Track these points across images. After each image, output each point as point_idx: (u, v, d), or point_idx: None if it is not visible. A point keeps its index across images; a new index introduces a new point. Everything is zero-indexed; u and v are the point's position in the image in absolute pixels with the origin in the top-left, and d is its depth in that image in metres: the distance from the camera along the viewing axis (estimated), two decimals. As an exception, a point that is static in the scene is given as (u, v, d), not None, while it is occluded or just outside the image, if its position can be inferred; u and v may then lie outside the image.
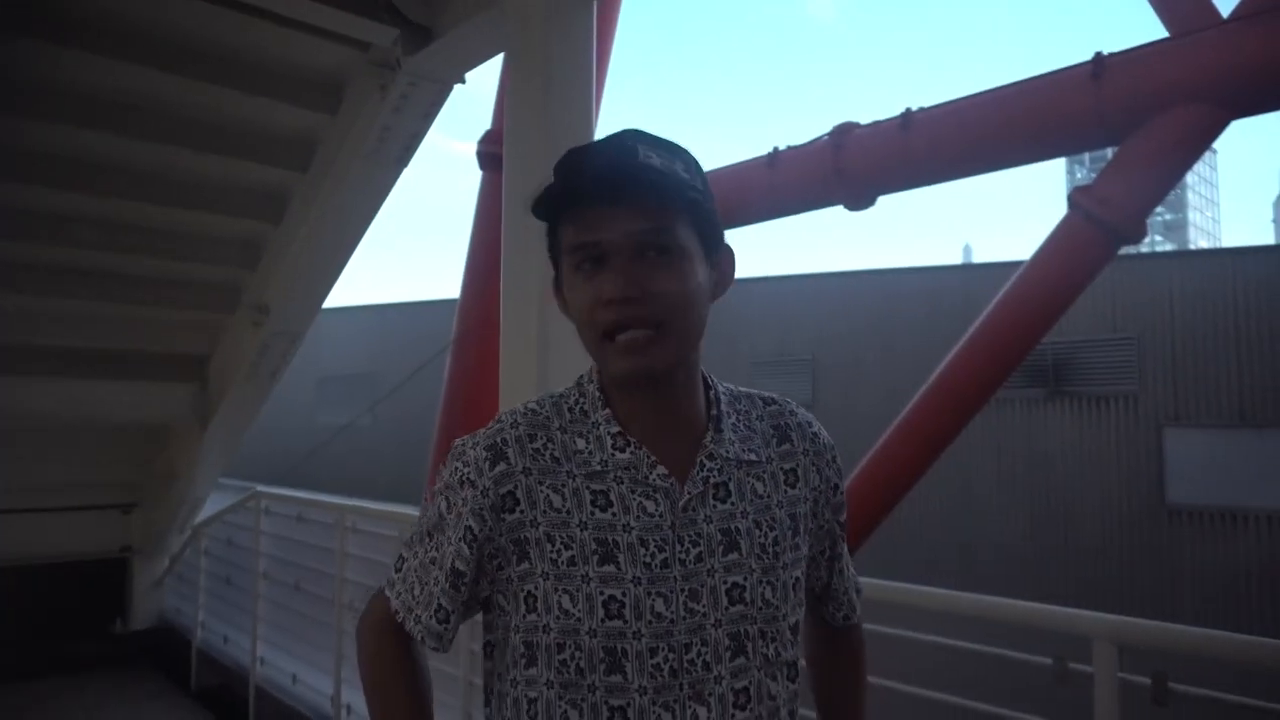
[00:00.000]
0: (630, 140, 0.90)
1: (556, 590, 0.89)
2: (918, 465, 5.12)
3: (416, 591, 0.98)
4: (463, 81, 3.15)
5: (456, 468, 0.94)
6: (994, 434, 9.73)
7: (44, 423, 4.35)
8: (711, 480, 0.92)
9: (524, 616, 0.91)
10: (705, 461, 0.93)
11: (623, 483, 0.91)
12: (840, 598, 1.09)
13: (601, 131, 5.52)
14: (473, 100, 4.71)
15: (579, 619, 0.88)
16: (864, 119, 5.23)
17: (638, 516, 0.90)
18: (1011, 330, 4.59)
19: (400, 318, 14.01)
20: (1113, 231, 4.00)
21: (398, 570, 1.01)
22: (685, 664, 0.89)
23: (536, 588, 0.90)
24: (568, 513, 0.90)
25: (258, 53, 3.17)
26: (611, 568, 0.88)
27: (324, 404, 14.78)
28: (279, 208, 3.77)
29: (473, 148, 4.32)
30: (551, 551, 0.89)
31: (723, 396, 0.99)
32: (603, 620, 0.88)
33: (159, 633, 5.64)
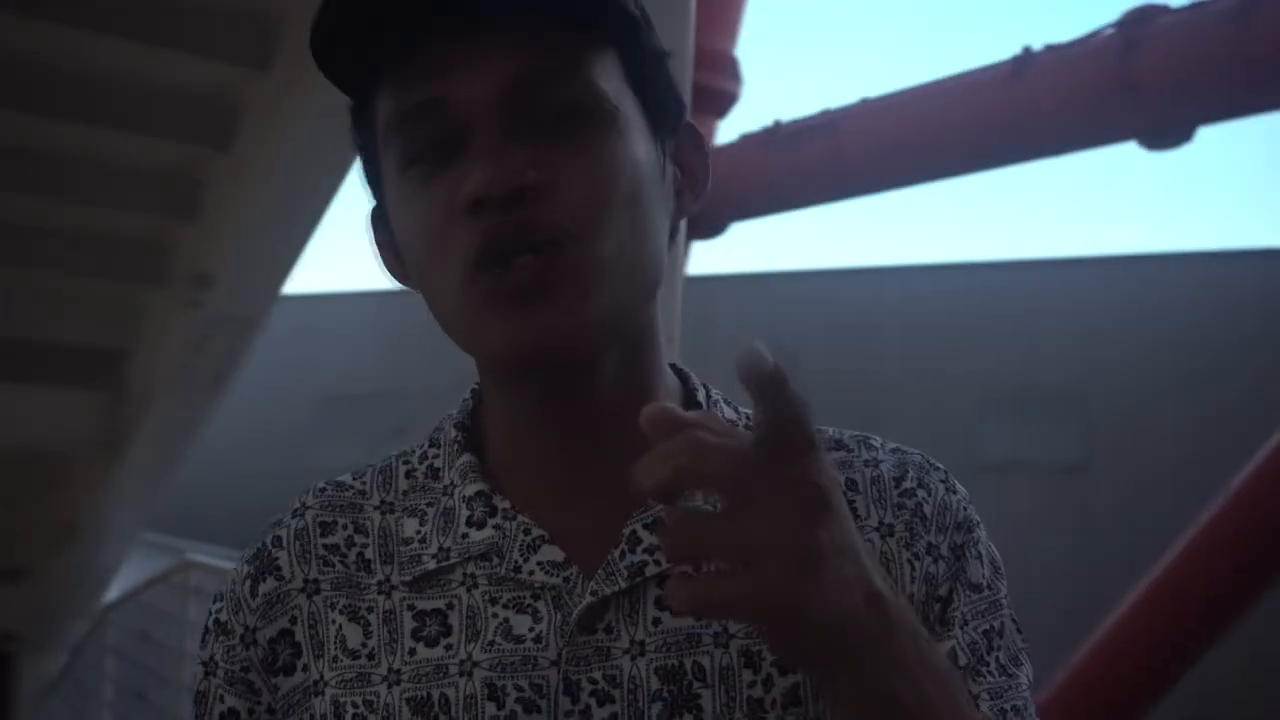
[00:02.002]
0: None
1: None
2: (1245, 583, 4.73)
3: None
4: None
5: (208, 614, 0.81)
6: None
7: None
8: (649, 570, 0.73)
9: None
10: (640, 534, 0.74)
11: (476, 586, 0.74)
12: None
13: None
14: None
15: None
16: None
17: (490, 644, 0.72)
18: None
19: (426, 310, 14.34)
20: None
21: None
22: None
23: None
24: (370, 657, 0.74)
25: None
26: None
27: (324, 434, 15.17)
28: (227, 124, 3.77)
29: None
30: None
31: (724, 419, 0.80)
32: None
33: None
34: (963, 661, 0.78)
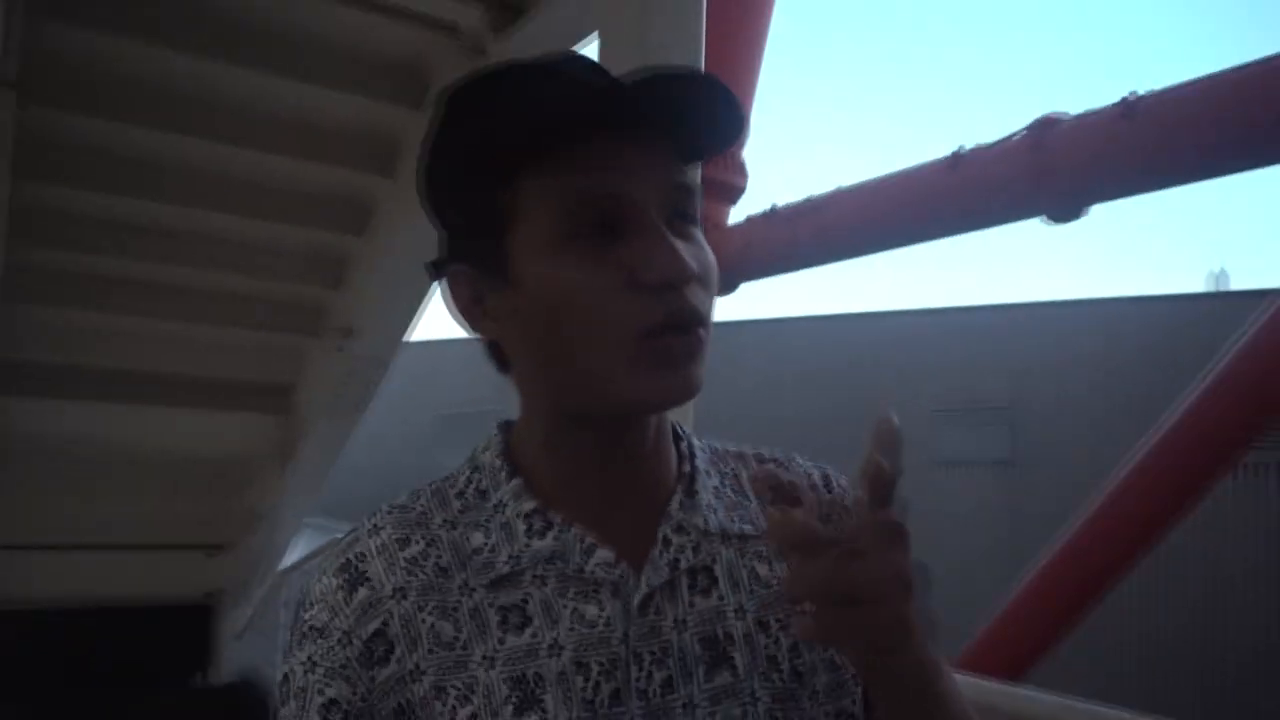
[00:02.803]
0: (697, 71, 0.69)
1: None
2: (1133, 548, 4.61)
3: None
4: (560, 64, 3.07)
5: (300, 619, 0.74)
6: (1249, 508, 8.78)
7: (122, 453, 4.55)
8: (683, 564, 0.72)
9: None
10: (671, 536, 0.73)
11: (546, 583, 0.70)
12: None
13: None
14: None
15: None
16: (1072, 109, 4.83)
17: (570, 629, 0.69)
18: (1268, 372, 4.03)
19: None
20: None
21: None
22: None
23: None
24: (464, 647, 0.69)
25: (335, 40, 3.20)
26: (534, 717, 0.66)
27: (439, 443, 15.23)
28: (362, 217, 3.78)
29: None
30: (444, 712, 0.67)
31: (698, 451, 0.78)
32: None
33: (239, 689, 5.81)
34: None
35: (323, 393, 4.30)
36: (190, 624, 5.78)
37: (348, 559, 0.73)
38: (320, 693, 0.69)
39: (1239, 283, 12.50)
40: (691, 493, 0.75)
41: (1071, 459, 9.42)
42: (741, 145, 5.88)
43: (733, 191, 6.00)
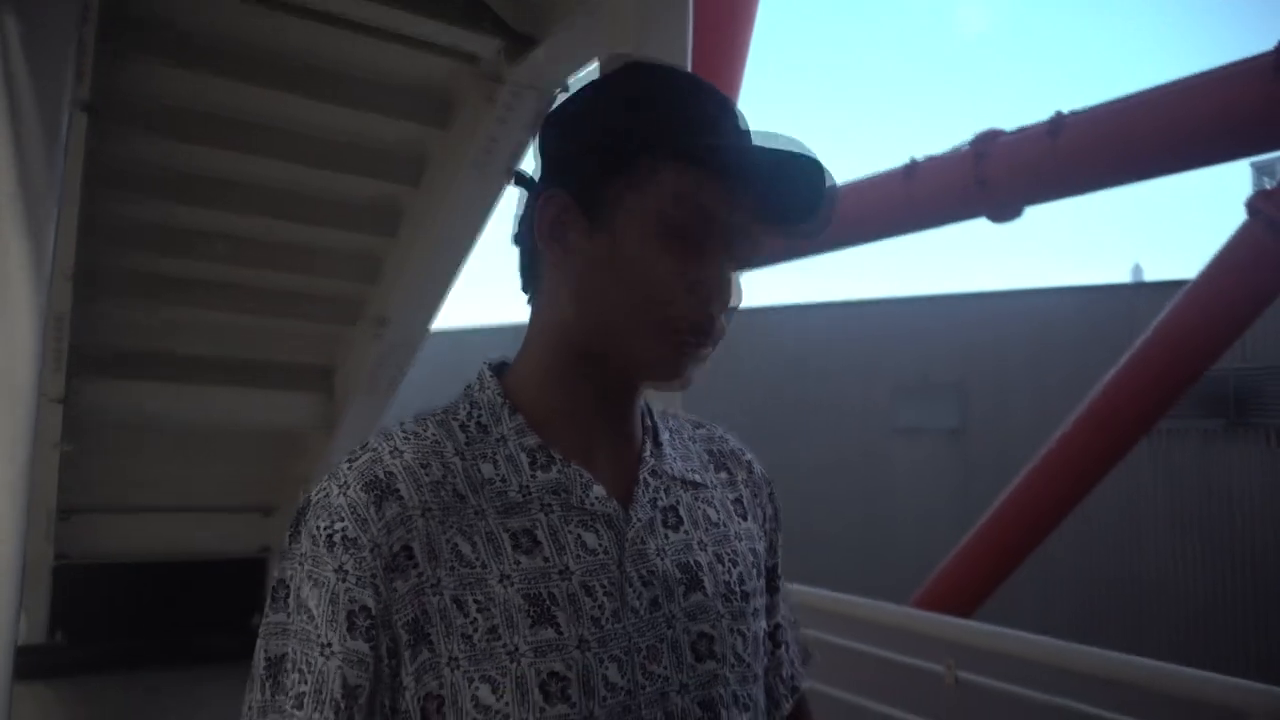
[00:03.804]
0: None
1: (471, 680, 0.64)
2: (1064, 503, 4.68)
3: None
4: (565, 89, 3.10)
5: (318, 528, 0.67)
6: (1163, 470, 8.84)
7: (188, 426, 4.60)
8: (659, 503, 0.75)
9: None
10: (649, 479, 0.75)
11: (552, 511, 0.70)
12: (784, 666, 0.86)
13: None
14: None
15: (506, 716, 0.63)
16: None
17: (577, 556, 0.69)
18: (1177, 352, 4.10)
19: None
20: (1301, 241, 3.49)
21: None
22: None
23: (442, 684, 0.64)
24: (483, 565, 0.67)
25: (372, 70, 3.24)
26: (550, 631, 0.66)
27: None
28: (395, 221, 3.83)
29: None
30: (464, 623, 0.65)
31: (653, 412, 0.81)
32: (541, 709, 0.64)
33: (292, 631, 5.88)
34: (780, 564, 0.87)
35: (360, 374, 4.35)
36: (247, 575, 5.86)
37: (375, 476, 0.68)
38: (352, 600, 0.65)
39: (1154, 275, 12.56)
40: (658, 444, 0.78)
41: (1013, 427, 9.48)
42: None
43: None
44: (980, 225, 5.23)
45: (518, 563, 0.68)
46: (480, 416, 0.74)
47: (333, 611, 0.64)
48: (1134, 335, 4.66)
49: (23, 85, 1.51)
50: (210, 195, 3.46)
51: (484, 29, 2.95)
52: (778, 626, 0.86)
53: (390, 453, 0.70)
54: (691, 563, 0.74)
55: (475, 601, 0.66)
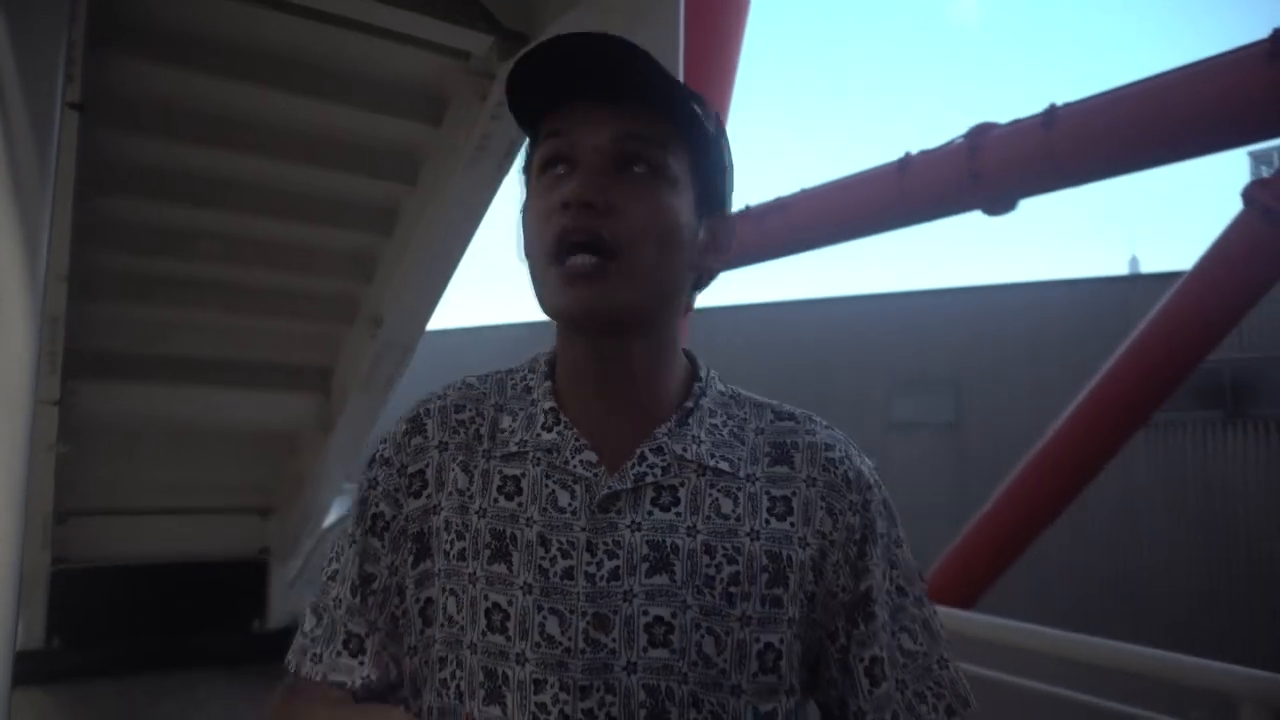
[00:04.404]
0: (629, 45, 0.73)
1: (444, 592, 0.75)
2: (1063, 495, 4.69)
3: (317, 628, 0.80)
4: (558, 86, 3.10)
5: (374, 449, 0.83)
6: (1161, 463, 8.86)
7: (184, 428, 4.59)
8: (649, 479, 0.74)
9: (420, 634, 0.77)
10: (647, 454, 0.74)
11: (539, 465, 0.76)
12: (890, 706, 0.74)
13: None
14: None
15: (462, 628, 0.73)
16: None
17: (544, 509, 0.74)
18: (1172, 343, 4.10)
19: (540, 332, 14.27)
20: (1297, 230, 3.49)
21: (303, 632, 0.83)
22: (581, 713, 0.68)
23: (432, 591, 0.76)
24: (469, 496, 0.76)
25: (364, 67, 3.22)
26: (502, 567, 0.73)
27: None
28: (389, 220, 3.81)
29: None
30: (445, 542, 0.76)
31: (712, 393, 0.79)
32: (484, 633, 0.72)
33: (291, 633, 5.85)
34: (877, 588, 0.76)
35: (357, 373, 4.33)
36: (246, 577, 5.84)
37: (417, 413, 0.82)
38: (375, 505, 0.80)
39: (1152, 266, 12.58)
40: (683, 424, 0.76)
41: (1008, 421, 9.50)
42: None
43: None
44: (974, 219, 5.23)
45: (495, 501, 0.75)
46: (529, 380, 0.82)
47: (361, 511, 0.81)
48: (1130, 327, 4.66)
49: (12, 86, 1.50)
50: (203, 195, 3.45)
51: (476, 25, 2.93)
52: (874, 659, 0.75)
53: (439, 397, 0.83)
54: (666, 544, 0.72)
55: (456, 527, 0.76)
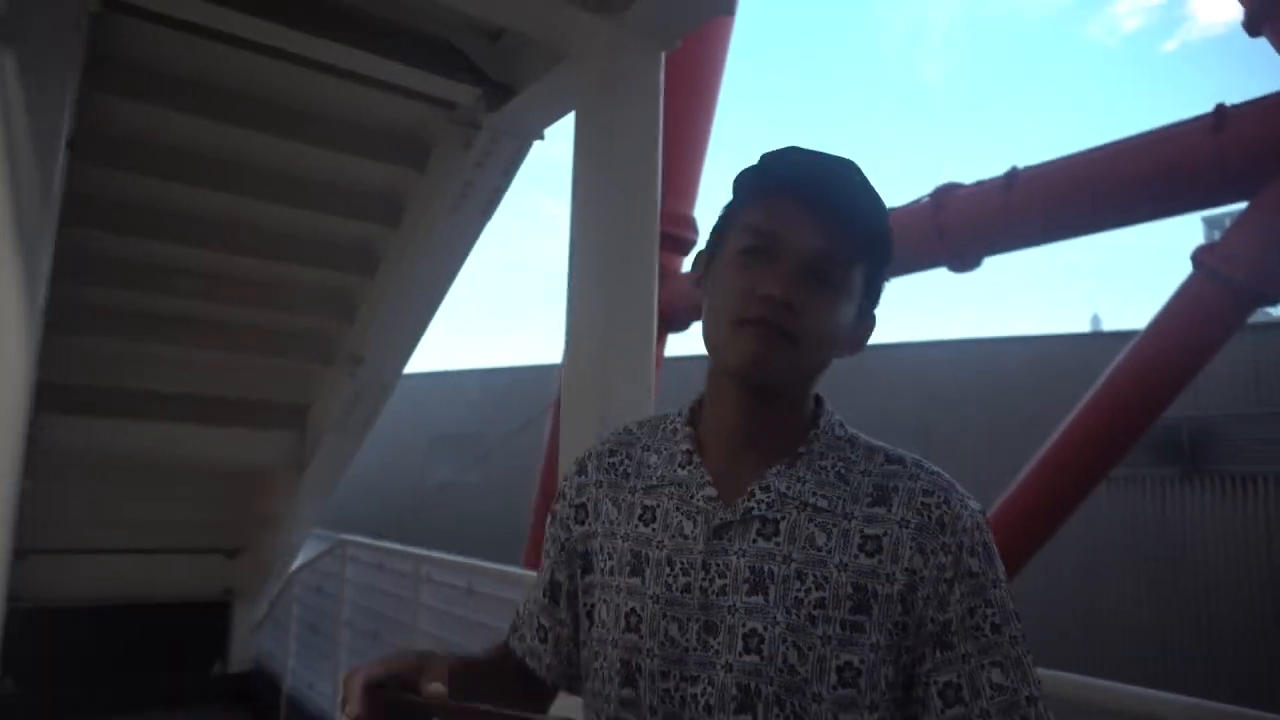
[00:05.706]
0: (858, 170, 0.87)
1: (599, 601, 0.91)
2: (1024, 550, 4.74)
3: (522, 613, 1.03)
4: (541, 138, 3.18)
5: (564, 479, 1.01)
6: (1122, 518, 9.00)
7: (150, 464, 4.53)
8: (756, 513, 0.85)
9: (588, 631, 0.93)
10: (756, 491, 0.86)
11: (672, 499, 0.90)
12: None
13: (672, 184, 5.44)
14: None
15: (608, 629, 0.89)
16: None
17: (673, 536, 0.88)
18: (1128, 400, 4.22)
19: (508, 380, 14.27)
20: (1242, 291, 3.64)
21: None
22: (689, 697, 0.83)
23: (593, 599, 0.92)
24: (615, 524, 0.92)
25: (350, 113, 3.30)
26: (637, 580, 0.88)
27: (435, 462, 15.11)
28: (372, 262, 3.86)
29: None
30: (600, 561, 0.92)
31: (827, 437, 0.90)
32: (623, 632, 0.87)
33: (254, 676, 5.74)
34: (957, 620, 0.81)
35: (334, 412, 4.33)
36: (210, 618, 5.73)
37: (582, 457, 1.01)
38: (557, 529, 0.99)
39: (1114, 325, 12.89)
40: (793, 465, 0.87)
41: (972, 470, 9.61)
42: (690, 203, 6.04)
43: (685, 244, 6.13)
44: (940, 275, 5.34)
45: (635, 527, 0.91)
46: (677, 425, 0.95)
47: (552, 534, 1.00)
48: (1090, 383, 4.78)
49: (19, 123, 1.54)
50: (186, 232, 3.48)
51: (463, 78, 3.02)
52: (948, 684, 0.80)
53: (601, 442, 1.00)
54: (764, 569, 0.83)
55: (607, 549, 0.92)
